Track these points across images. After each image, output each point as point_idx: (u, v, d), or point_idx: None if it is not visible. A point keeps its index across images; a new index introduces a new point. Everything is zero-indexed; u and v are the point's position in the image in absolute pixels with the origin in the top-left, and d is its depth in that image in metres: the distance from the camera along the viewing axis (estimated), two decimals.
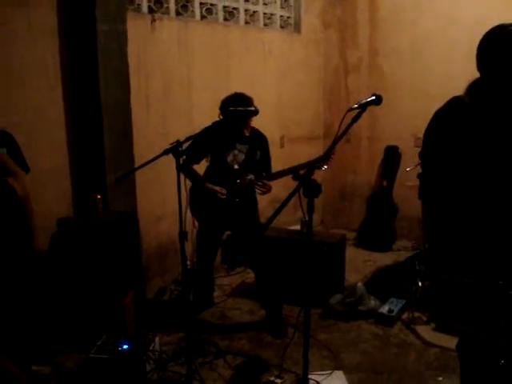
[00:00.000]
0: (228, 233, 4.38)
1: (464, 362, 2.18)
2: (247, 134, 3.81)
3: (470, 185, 1.90)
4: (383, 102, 2.17)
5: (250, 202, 3.91)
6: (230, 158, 3.79)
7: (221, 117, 3.67)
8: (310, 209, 2.08)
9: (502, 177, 1.82)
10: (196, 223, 3.89)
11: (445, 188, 1.99)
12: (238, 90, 3.73)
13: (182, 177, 3.00)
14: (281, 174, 3.73)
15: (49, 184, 3.75)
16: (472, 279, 1.75)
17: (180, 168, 2.99)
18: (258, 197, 3.98)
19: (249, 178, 3.81)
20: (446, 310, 1.91)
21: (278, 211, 2.09)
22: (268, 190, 3.76)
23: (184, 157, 3.30)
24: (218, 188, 3.73)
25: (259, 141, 3.89)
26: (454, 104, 1.97)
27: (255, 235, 3.83)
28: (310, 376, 2.81)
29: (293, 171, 3.54)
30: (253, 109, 3.59)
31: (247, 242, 3.99)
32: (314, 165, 3.43)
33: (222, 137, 3.75)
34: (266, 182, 3.74)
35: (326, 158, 3.41)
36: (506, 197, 1.81)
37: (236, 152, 3.80)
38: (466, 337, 2.10)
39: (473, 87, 1.95)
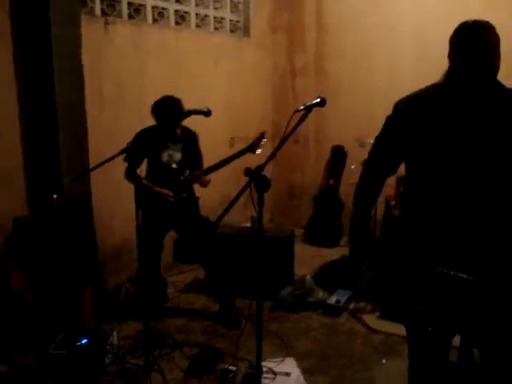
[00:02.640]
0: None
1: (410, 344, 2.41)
2: (178, 134, 3.92)
3: (425, 169, 2.12)
4: (329, 104, 2.34)
5: (191, 200, 4.02)
6: (165, 158, 3.88)
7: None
8: (261, 203, 2.16)
9: (455, 162, 2.02)
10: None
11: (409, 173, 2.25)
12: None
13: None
14: (214, 167, 3.79)
15: (3, 184, 3.77)
16: (409, 259, 1.97)
17: (127, 175, 3.14)
18: (209, 198, 4.11)
19: (186, 174, 3.91)
20: (386, 289, 2.12)
21: (229, 206, 2.19)
22: (205, 183, 3.90)
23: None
24: (165, 191, 3.83)
25: (190, 138, 3.98)
26: (419, 92, 2.17)
27: (205, 232, 3.96)
28: (263, 363, 2.96)
29: (226, 163, 3.73)
30: (205, 110, 3.70)
31: (197, 240, 4.11)
32: (244, 150, 3.68)
33: (154, 139, 3.85)
34: (201, 179, 3.87)
35: (255, 143, 3.66)
36: (458, 183, 2.03)
37: (171, 152, 3.89)
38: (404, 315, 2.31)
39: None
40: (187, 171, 3.90)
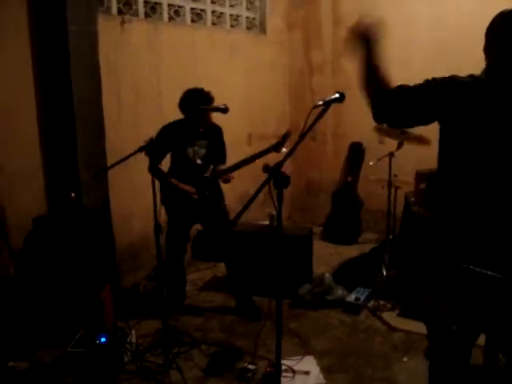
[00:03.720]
0: (199, 228, 4.50)
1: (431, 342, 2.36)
2: (203, 129, 3.91)
3: (468, 164, 2.04)
4: (347, 100, 2.29)
5: (216, 193, 4.01)
6: (190, 154, 3.88)
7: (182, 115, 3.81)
8: (280, 199, 2.14)
9: (492, 157, 1.95)
10: (166, 219, 3.98)
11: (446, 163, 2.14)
12: (206, 90, 3.82)
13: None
14: (238, 165, 3.81)
15: (22, 183, 3.79)
16: (435, 257, 1.93)
17: (150, 169, 3.13)
18: (227, 196, 4.11)
19: (211, 170, 3.90)
20: (408, 287, 2.08)
21: (248, 204, 2.17)
22: (228, 180, 3.89)
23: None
24: (189, 188, 3.82)
25: (215, 133, 3.99)
26: (473, 78, 2.02)
27: (225, 229, 3.96)
28: (282, 361, 2.94)
29: (249, 161, 3.73)
30: (223, 107, 3.70)
31: (217, 237, 4.12)
32: (269, 149, 3.68)
33: (181, 134, 3.84)
34: (226, 176, 3.86)
35: (280, 143, 3.65)
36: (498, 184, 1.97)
37: (196, 148, 3.89)
38: (426, 314, 2.27)
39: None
40: (211, 166, 3.89)
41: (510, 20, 1.95)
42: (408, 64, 5.47)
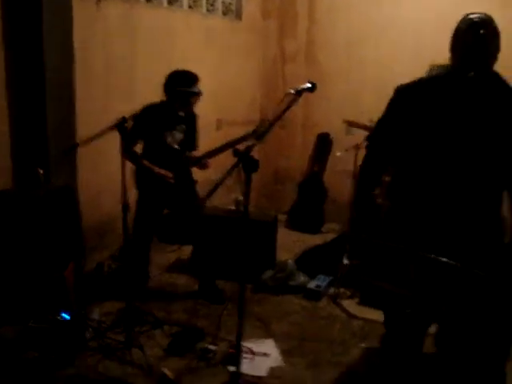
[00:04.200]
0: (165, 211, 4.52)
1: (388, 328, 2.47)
2: (181, 114, 3.91)
3: (417, 157, 2.19)
4: (318, 91, 2.36)
5: (189, 179, 4.04)
6: (169, 138, 3.87)
7: (164, 95, 3.78)
8: (248, 184, 2.19)
9: (446, 151, 2.08)
10: (136, 200, 3.99)
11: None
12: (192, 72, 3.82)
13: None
14: (218, 150, 3.80)
15: None
16: (395, 243, 2.03)
17: (125, 151, 3.12)
18: (201, 182, 4.12)
19: (186, 155, 3.92)
20: (369, 273, 2.17)
21: (217, 185, 2.22)
22: (205, 167, 3.91)
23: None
24: (164, 172, 3.81)
25: (192, 119, 4.01)
26: (416, 81, 2.26)
27: (193, 210, 3.98)
28: (242, 343, 3.00)
29: (228, 146, 3.69)
30: (196, 90, 3.72)
31: (185, 219, 4.14)
32: (249, 135, 3.71)
33: (161, 117, 3.83)
34: (204, 158, 3.88)
35: (264, 133, 3.69)
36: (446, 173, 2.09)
37: (173, 131, 3.89)
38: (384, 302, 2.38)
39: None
40: (187, 152, 3.90)
41: (473, 26, 2.07)
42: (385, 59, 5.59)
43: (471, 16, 2.09)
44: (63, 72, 3.96)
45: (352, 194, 4.29)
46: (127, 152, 3.39)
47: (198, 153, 4.02)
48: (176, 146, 3.90)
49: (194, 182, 4.08)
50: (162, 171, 3.82)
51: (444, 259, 1.80)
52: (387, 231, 2.26)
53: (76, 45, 4.02)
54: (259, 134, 3.65)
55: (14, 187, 3.90)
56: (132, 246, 3.93)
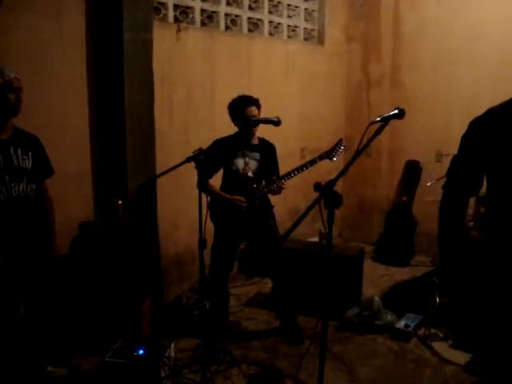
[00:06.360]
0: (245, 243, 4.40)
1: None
2: (254, 143, 3.84)
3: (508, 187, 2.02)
4: (405, 116, 2.19)
5: (266, 209, 3.91)
6: (241, 166, 3.79)
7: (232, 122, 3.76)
8: (331, 220, 2.06)
9: None
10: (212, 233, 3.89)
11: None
12: (260, 101, 3.75)
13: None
14: (291, 173, 3.71)
15: (71, 188, 3.81)
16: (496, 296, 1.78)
17: (199, 185, 3.04)
18: (278, 208, 3.98)
19: (263, 184, 3.81)
20: (465, 326, 1.92)
21: (297, 222, 2.09)
22: (280, 190, 3.77)
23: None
24: (237, 197, 3.74)
25: (268, 149, 3.91)
26: (487, 112, 2.14)
27: (273, 245, 3.84)
28: None
29: (301, 169, 3.67)
30: (275, 119, 3.61)
31: (265, 252, 4.00)
32: (321, 156, 3.62)
33: (232, 146, 3.77)
34: (279, 183, 3.74)
35: (333, 150, 3.59)
36: None
37: (247, 160, 3.80)
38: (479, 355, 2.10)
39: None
40: (263, 182, 3.79)
41: None
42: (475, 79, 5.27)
43: None
44: (143, 105, 4.00)
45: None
46: (200, 186, 3.22)
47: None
48: (250, 174, 3.79)
49: (271, 208, 3.94)
50: (236, 197, 3.73)
51: None
52: (485, 274, 2.00)
53: (156, 77, 4.05)
54: (329, 152, 3.62)
55: (95, 218, 3.93)
56: (210, 280, 3.85)
